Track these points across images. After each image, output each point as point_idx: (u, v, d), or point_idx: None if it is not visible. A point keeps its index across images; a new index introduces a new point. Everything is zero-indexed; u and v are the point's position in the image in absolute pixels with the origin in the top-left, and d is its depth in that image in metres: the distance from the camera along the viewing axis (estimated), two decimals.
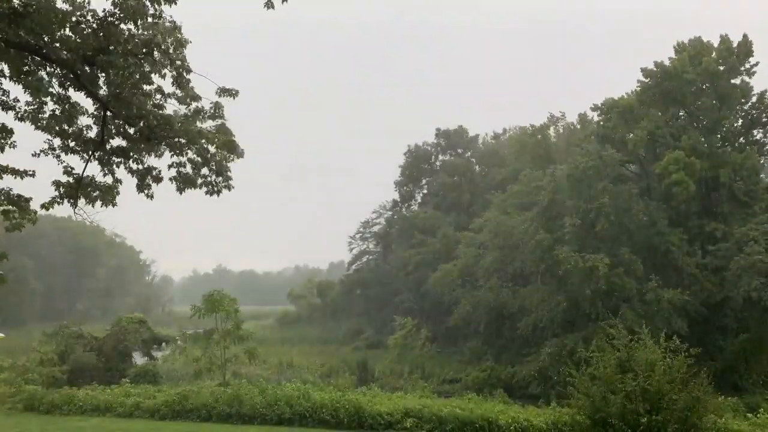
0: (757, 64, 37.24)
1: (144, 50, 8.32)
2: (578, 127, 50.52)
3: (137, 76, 8.50)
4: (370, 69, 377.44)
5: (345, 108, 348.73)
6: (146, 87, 8.81)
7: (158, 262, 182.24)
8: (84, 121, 9.12)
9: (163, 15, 8.41)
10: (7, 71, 8.19)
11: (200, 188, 9.76)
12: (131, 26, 8.29)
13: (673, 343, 14.07)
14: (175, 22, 8.59)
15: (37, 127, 8.80)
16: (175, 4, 8.17)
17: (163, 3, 8.16)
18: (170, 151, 9.31)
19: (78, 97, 8.84)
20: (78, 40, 8.12)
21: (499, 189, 52.57)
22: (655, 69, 39.07)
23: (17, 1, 7.41)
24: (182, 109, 9.31)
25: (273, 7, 8.51)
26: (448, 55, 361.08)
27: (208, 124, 9.48)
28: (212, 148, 9.45)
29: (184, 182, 9.56)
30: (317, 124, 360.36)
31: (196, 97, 9.21)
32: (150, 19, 8.24)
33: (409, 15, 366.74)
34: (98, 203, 9.37)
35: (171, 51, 8.60)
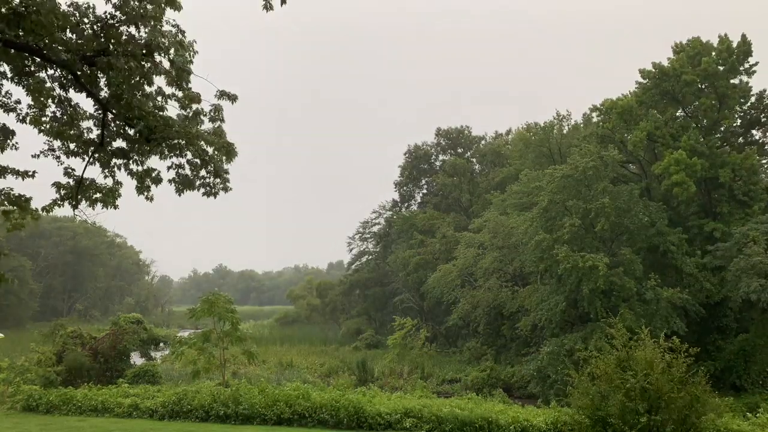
0: (756, 64, 37.23)
1: (144, 52, 8.30)
2: (582, 126, 50.50)
3: (137, 78, 8.49)
4: (371, 69, 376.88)
5: (345, 108, 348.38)
6: (147, 88, 8.80)
7: (158, 262, 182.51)
8: (84, 123, 9.12)
9: (166, 18, 8.40)
10: (8, 72, 8.18)
11: (198, 190, 9.75)
12: (132, 29, 8.28)
13: (672, 343, 14.09)
14: (179, 26, 8.58)
15: (40, 131, 8.80)
16: (181, 8, 8.17)
17: (165, 6, 8.16)
18: (169, 153, 9.31)
19: (78, 98, 8.84)
20: (78, 41, 8.11)
21: (499, 189, 52.59)
22: (653, 70, 39.09)
23: (17, 2, 7.39)
24: (182, 112, 9.29)
25: (272, 8, 8.49)
26: (448, 54, 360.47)
27: (207, 126, 9.47)
28: (210, 150, 9.45)
29: (182, 184, 9.55)
30: (318, 124, 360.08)
31: (196, 99, 9.20)
32: (152, 22, 8.23)
33: (408, 15, 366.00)
34: (99, 205, 9.37)
35: (172, 53, 8.59)
